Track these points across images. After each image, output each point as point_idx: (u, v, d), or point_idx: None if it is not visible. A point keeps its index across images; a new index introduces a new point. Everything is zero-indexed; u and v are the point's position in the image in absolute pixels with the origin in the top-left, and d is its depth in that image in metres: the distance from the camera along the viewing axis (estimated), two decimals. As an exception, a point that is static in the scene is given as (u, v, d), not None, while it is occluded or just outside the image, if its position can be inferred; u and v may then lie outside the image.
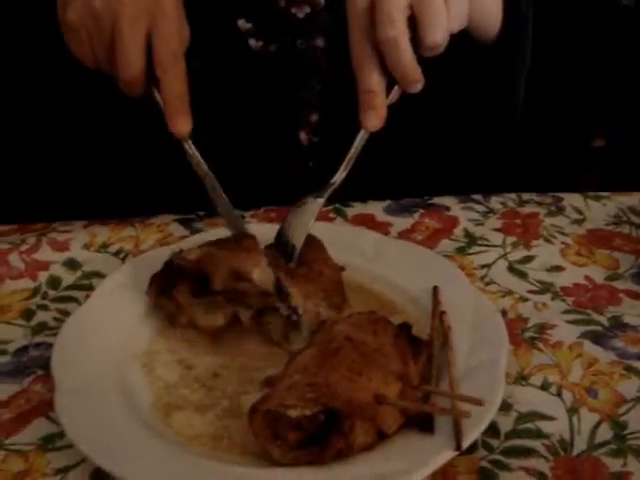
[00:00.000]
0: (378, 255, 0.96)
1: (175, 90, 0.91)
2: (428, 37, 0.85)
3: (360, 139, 0.89)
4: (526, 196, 1.17)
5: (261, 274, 0.84)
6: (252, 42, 1.15)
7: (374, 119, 0.87)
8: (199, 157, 0.93)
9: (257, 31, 1.15)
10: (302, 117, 1.21)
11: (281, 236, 0.91)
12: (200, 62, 1.07)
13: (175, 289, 0.86)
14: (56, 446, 0.77)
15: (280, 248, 0.90)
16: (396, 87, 0.88)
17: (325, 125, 1.21)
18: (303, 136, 1.22)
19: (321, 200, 0.91)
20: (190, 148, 0.93)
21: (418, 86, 0.88)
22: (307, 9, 1.15)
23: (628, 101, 1.46)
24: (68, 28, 0.93)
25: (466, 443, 0.70)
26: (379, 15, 0.84)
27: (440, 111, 1.20)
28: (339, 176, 0.90)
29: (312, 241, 0.92)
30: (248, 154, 1.20)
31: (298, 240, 0.90)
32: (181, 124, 0.91)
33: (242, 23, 1.15)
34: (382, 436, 0.72)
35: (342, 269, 0.92)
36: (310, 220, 0.90)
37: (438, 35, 0.85)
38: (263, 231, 0.94)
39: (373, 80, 0.86)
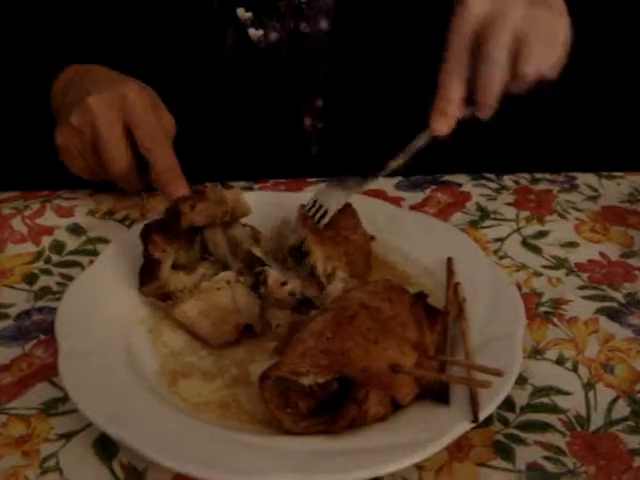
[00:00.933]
0: (391, 226, 0.94)
1: (163, 164, 0.96)
2: (522, 69, 0.87)
3: (421, 138, 0.91)
4: (539, 175, 1.15)
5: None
6: (252, 31, 1.14)
7: (443, 125, 0.89)
8: None
9: (257, 20, 1.13)
10: (307, 103, 1.19)
11: (315, 200, 0.90)
12: (201, 53, 1.07)
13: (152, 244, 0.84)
14: (59, 411, 0.75)
15: (312, 210, 0.90)
16: (469, 108, 0.90)
17: (330, 111, 1.20)
18: (307, 122, 1.20)
19: (363, 182, 0.92)
20: None
21: (489, 113, 0.90)
22: None
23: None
24: (61, 151, 1.00)
25: (483, 415, 0.68)
26: (490, 33, 0.86)
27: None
28: (389, 166, 0.92)
29: (345, 207, 0.90)
30: (252, 140, 1.18)
31: (331, 207, 0.89)
32: (175, 190, 0.94)
33: (241, 12, 1.13)
34: (396, 407, 0.70)
35: (372, 238, 0.91)
36: (348, 194, 0.91)
37: (530, 68, 0.88)
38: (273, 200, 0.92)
39: (454, 89, 0.88)
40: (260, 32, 1.14)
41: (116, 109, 0.95)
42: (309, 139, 1.21)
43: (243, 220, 0.89)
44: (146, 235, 0.84)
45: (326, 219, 0.89)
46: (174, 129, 1.01)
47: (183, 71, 0.99)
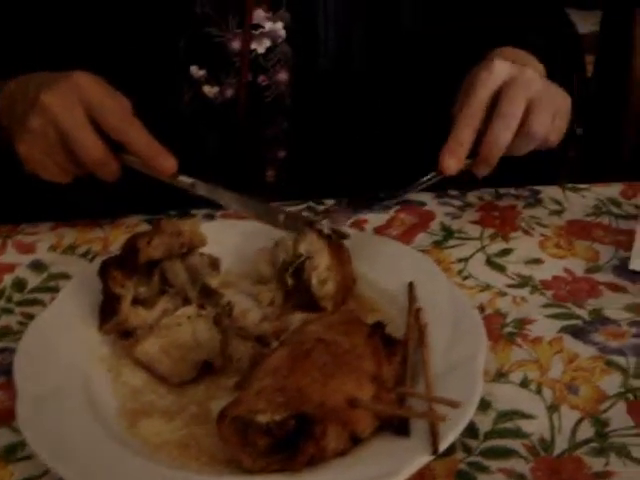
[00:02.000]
0: (354, 251, 0.93)
1: (142, 142, 0.93)
2: (532, 126, 0.95)
3: (428, 178, 0.97)
4: (503, 190, 1.14)
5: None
6: (207, 89, 1.13)
7: (453, 164, 0.94)
8: (194, 181, 0.96)
9: (211, 77, 1.13)
10: (269, 155, 1.19)
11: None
12: (158, 109, 1.07)
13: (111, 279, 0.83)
14: (19, 456, 0.74)
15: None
16: (467, 162, 0.96)
17: (292, 161, 1.19)
18: (270, 173, 1.20)
19: (369, 206, 0.99)
20: (188, 180, 0.95)
21: (485, 171, 0.98)
22: (267, 43, 1.13)
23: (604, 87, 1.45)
24: (27, 161, 0.96)
25: (443, 446, 0.68)
26: (510, 93, 0.94)
27: (417, 112, 1.19)
28: (397, 197, 0.99)
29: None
30: None
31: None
32: (165, 163, 0.93)
33: (195, 70, 1.12)
34: (356, 440, 0.69)
35: (354, 281, 0.92)
36: (353, 216, 0.98)
37: (541, 129, 0.96)
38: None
39: (467, 135, 0.95)
40: (215, 89, 1.13)
41: (73, 99, 0.92)
42: (271, 190, 1.20)
43: (201, 249, 0.88)
44: (104, 271, 0.84)
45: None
46: (130, 106, 0.97)
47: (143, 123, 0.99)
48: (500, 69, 0.96)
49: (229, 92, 1.13)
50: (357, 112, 1.19)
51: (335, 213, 0.96)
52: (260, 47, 1.12)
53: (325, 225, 0.91)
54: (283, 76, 1.14)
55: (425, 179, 0.97)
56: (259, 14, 1.11)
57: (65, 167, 0.96)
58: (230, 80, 1.13)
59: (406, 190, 0.98)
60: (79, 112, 0.92)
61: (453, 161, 0.94)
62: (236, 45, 1.12)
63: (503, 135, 0.94)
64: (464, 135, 0.94)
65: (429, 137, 1.03)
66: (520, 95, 0.94)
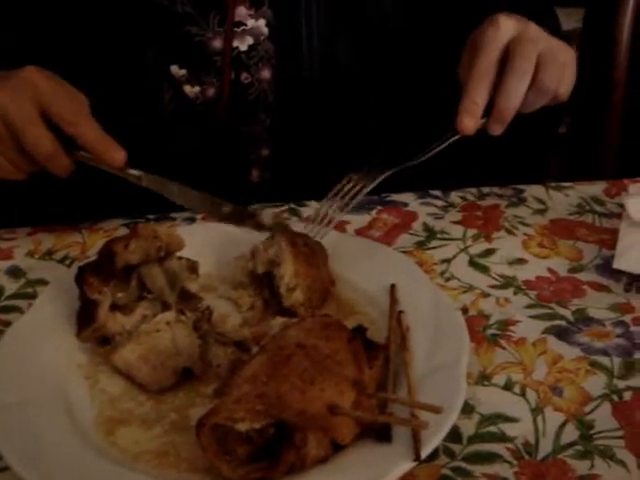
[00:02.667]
0: (335, 253, 0.93)
1: (92, 135, 0.93)
2: (544, 81, 0.95)
3: (447, 139, 0.97)
4: (486, 189, 1.14)
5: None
6: (187, 88, 1.12)
7: (470, 123, 0.94)
8: (141, 173, 0.95)
9: (192, 76, 1.12)
10: (253, 153, 1.17)
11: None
12: (139, 110, 1.05)
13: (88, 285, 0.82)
14: (-5, 468, 0.73)
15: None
16: (481, 121, 0.95)
17: (276, 160, 1.18)
18: (254, 173, 1.19)
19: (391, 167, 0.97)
20: (135, 172, 0.95)
21: (500, 129, 0.96)
22: (250, 40, 1.12)
23: (588, 86, 1.44)
24: None
25: (425, 452, 0.67)
26: (520, 49, 0.93)
27: (402, 109, 1.18)
28: (418, 158, 0.97)
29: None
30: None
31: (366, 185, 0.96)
32: (115, 155, 0.93)
33: (175, 69, 1.11)
34: (337, 447, 0.68)
35: (333, 283, 0.91)
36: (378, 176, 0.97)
37: (552, 83, 0.95)
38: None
39: (481, 95, 0.94)
40: (196, 89, 1.12)
41: (23, 94, 0.92)
42: (255, 190, 1.19)
43: (178, 253, 0.87)
44: (81, 278, 0.82)
45: (359, 196, 0.94)
46: (86, 102, 0.96)
47: (120, 124, 0.97)
48: (507, 25, 0.95)
49: (210, 92, 1.12)
50: (341, 109, 1.18)
51: (360, 176, 0.97)
52: (242, 45, 1.11)
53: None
54: (266, 74, 1.13)
55: (442, 140, 0.97)
56: (241, 11, 1.10)
57: (17, 164, 0.95)
58: (211, 79, 1.12)
59: (425, 153, 0.97)
60: (29, 107, 0.91)
61: (470, 120, 0.94)
62: (217, 44, 1.10)
63: (516, 91, 0.93)
64: (478, 93, 0.94)
65: (414, 135, 1.03)
66: (531, 50, 0.94)
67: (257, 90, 1.13)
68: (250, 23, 1.11)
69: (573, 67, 1.00)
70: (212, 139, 1.15)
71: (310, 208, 1.08)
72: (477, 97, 0.94)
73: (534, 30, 0.96)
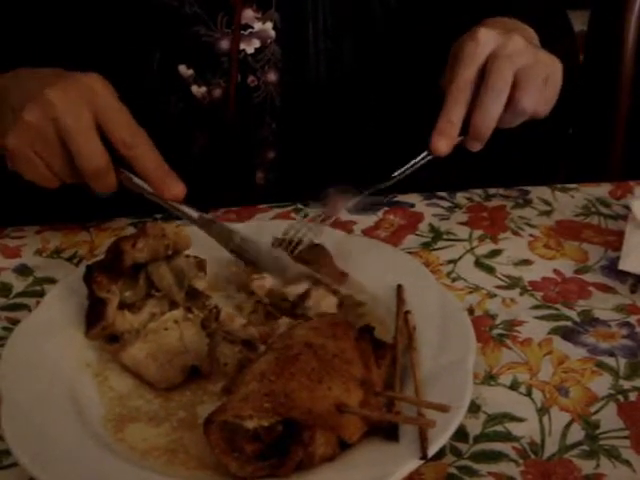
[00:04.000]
0: (341, 253, 0.93)
1: (151, 161, 0.89)
2: (521, 102, 0.94)
3: (421, 158, 0.96)
4: (492, 191, 1.14)
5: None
6: (194, 88, 1.12)
7: (443, 145, 0.93)
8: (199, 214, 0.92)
9: (199, 77, 1.12)
10: (258, 156, 1.18)
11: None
12: (146, 109, 1.05)
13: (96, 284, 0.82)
14: (4, 464, 0.73)
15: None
16: (459, 138, 0.95)
17: (282, 163, 1.19)
18: (259, 175, 1.19)
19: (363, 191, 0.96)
20: (191, 211, 0.92)
21: (479, 146, 0.96)
22: (257, 43, 1.12)
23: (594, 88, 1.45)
24: (14, 156, 0.90)
25: (432, 451, 0.67)
26: (495, 67, 0.92)
27: (405, 112, 1.18)
28: (385, 184, 0.96)
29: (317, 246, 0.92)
30: (202, 194, 1.15)
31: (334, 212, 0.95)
32: (173, 188, 0.89)
33: (183, 69, 1.11)
34: (345, 445, 0.68)
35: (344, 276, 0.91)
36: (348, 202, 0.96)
37: (529, 103, 0.94)
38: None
39: (457, 113, 0.93)
40: (203, 89, 1.12)
41: (81, 100, 0.87)
42: (261, 192, 1.19)
43: (186, 252, 0.88)
44: (89, 276, 0.83)
45: (328, 222, 0.94)
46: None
47: None
48: (485, 39, 0.93)
49: (217, 92, 1.12)
50: (347, 112, 1.18)
51: (331, 199, 0.95)
52: (249, 47, 1.12)
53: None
54: (272, 77, 1.13)
55: (417, 159, 0.96)
56: (248, 14, 1.11)
57: (56, 171, 0.90)
58: (218, 80, 1.12)
59: (400, 173, 0.96)
60: (87, 116, 0.87)
61: (444, 141, 0.93)
62: (225, 45, 1.11)
63: (491, 110, 0.93)
64: (453, 113, 0.93)
65: (420, 138, 1.02)
66: (507, 68, 0.92)
67: (263, 93, 1.14)
68: (257, 26, 1.11)
69: (556, 82, 0.98)
70: (218, 141, 1.16)
71: (315, 209, 1.09)
72: (453, 116, 0.93)
73: (515, 43, 0.93)
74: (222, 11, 1.10)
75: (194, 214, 0.92)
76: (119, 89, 1.02)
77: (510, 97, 0.93)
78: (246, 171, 1.18)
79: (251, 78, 1.13)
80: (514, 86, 0.93)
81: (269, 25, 1.12)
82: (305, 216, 1.07)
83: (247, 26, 1.11)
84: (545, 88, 0.96)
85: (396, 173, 0.96)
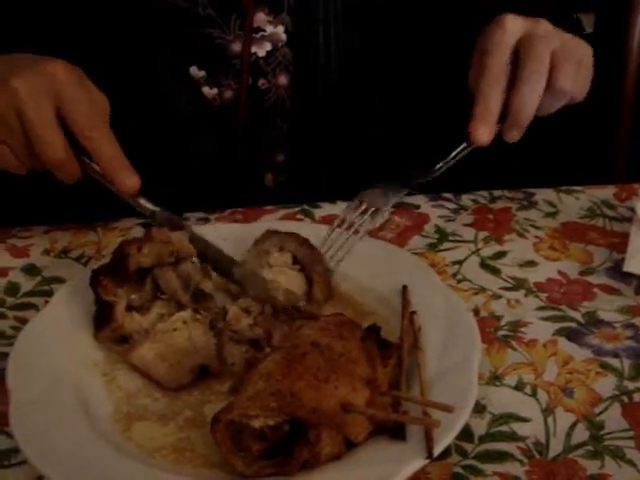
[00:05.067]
0: (347, 254, 0.94)
1: (107, 152, 0.89)
2: (559, 82, 0.91)
3: (460, 150, 0.93)
4: (497, 192, 1.14)
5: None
6: (206, 90, 1.13)
7: (484, 134, 0.91)
8: (156, 209, 0.92)
9: (210, 78, 1.12)
10: (268, 158, 1.18)
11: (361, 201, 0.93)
12: (156, 109, 1.05)
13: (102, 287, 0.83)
14: (12, 462, 0.74)
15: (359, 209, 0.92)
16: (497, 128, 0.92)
17: (291, 165, 1.19)
18: (269, 177, 1.20)
19: (405, 187, 0.95)
20: (149, 205, 0.92)
21: (517, 136, 0.93)
22: (268, 46, 1.13)
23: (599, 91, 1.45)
24: None
25: (437, 450, 0.67)
26: (531, 50, 0.89)
27: (415, 113, 1.19)
28: (431, 173, 0.95)
29: (305, 241, 0.91)
30: (212, 195, 1.15)
31: (381, 206, 0.93)
32: (127, 180, 0.89)
33: (194, 70, 1.12)
34: (350, 445, 0.69)
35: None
36: (395, 196, 0.95)
37: (567, 83, 0.91)
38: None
39: (494, 102, 0.90)
40: (214, 91, 1.13)
41: (44, 90, 0.87)
42: (270, 194, 1.20)
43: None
44: (95, 281, 0.83)
45: (380, 218, 0.92)
46: (108, 109, 0.92)
47: (138, 124, 0.96)
48: (514, 25, 0.91)
49: (228, 94, 1.13)
50: (357, 115, 1.19)
51: (373, 197, 0.95)
52: (261, 50, 1.12)
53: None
54: (283, 80, 1.14)
55: (457, 152, 0.94)
56: (260, 17, 1.11)
57: (23, 160, 0.91)
58: (229, 82, 1.12)
59: (440, 166, 0.95)
60: (47, 106, 0.87)
61: (485, 130, 0.91)
62: (237, 47, 1.11)
63: (531, 94, 0.90)
64: (491, 100, 0.90)
65: (432, 140, 1.02)
66: (543, 50, 0.90)
67: (274, 96, 1.14)
68: (269, 29, 1.12)
69: (589, 65, 0.96)
70: (228, 142, 1.16)
71: (324, 209, 1.09)
72: (491, 103, 0.90)
73: (545, 27, 0.92)
74: (235, 13, 1.10)
75: (151, 208, 0.91)
76: (130, 88, 1.02)
77: (548, 79, 0.90)
78: (255, 173, 1.19)
79: (262, 81, 1.13)
80: (551, 67, 0.90)
81: (281, 29, 1.12)
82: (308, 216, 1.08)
83: (259, 29, 1.12)
84: (579, 70, 0.93)
85: (437, 166, 0.95)
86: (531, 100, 0.90)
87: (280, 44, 1.13)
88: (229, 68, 1.12)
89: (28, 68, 0.88)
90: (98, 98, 0.92)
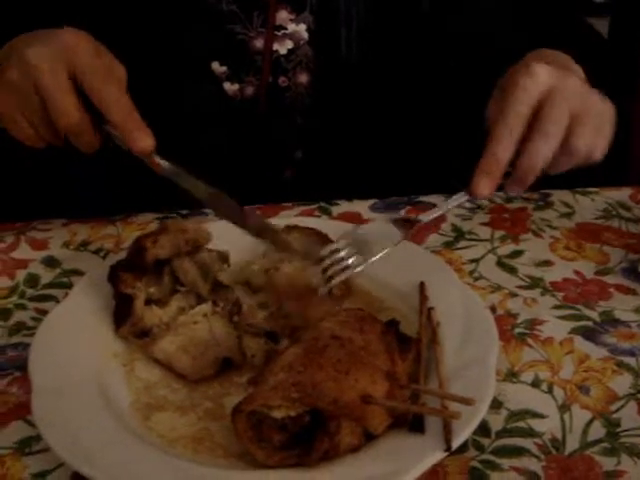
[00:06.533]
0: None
1: (120, 111, 0.87)
2: (573, 143, 0.86)
3: (456, 199, 0.88)
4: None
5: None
6: (227, 85, 1.13)
7: (486, 187, 0.85)
8: (170, 165, 0.89)
9: (232, 74, 1.13)
10: (287, 154, 1.19)
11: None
12: (177, 104, 1.05)
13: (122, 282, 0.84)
14: (33, 450, 0.75)
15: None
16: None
17: (310, 161, 1.20)
18: (288, 172, 1.20)
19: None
20: (161, 161, 0.89)
21: (518, 192, 0.89)
22: (290, 44, 1.13)
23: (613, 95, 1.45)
24: (2, 117, 0.90)
25: (456, 444, 0.68)
26: (551, 110, 0.84)
27: (430, 113, 1.19)
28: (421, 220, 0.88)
29: (319, 233, 0.91)
30: (230, 191, 1.16)
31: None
32: (141, 140, 0.86)
33: (216, 66, 1.13)
34: (370, 436, 0.70)
35: None
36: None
37: (584, 146, 0.86)
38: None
39: (505, 151, 0.84)
40: (236, 86, 1.13)
41: (58, 58, 0.86)
42: (289, 188, 1.20)
43: (209, 246, 0.89)
44: (114, 275, 0.85)
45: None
46: (125, 77, 0.91)
47: (158, 117, 0.96)
48: (541, 75, 0.86)
49: (249, 90, 1.13)
50: (376, 113, 1.19)
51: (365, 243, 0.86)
52: (282, 48, 1.13)
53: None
54: (303, 78, 1.15)
55: (453, 200, 0.88)
56: (282, 15, 1.12)
57: (39, 130, 0.90)
58: (250, 78, 1.13)
59: (434, 214, 0.89)
60: (62, 72, 0.86)
61: (487, 182, 0.85)
62: (259, 44, 1.12)
63: (542, 155, 0.85)
64: (502, 151, 0.84)
65: (448, 137, 1.02)
66: (563, 109, 0.85)
67: (294, 94, 1.15)
68: (291, 27, 1.13)
69: (611, 127, 0.91)
70: (248, 138, 1.17)
71: (341, 207, 1.10)
72: (501, 154, 0.84)
73: (572, 83, 0.87)
74: (257, 10, 1.11)
75: (165, 165, 0.89)
76: (152, 81, 1.01)
77: (565, 140, 0.86)
78: (274, 169, 1.19)
79: (282, 79, 1.14)
80: (569, 129, 0.86)
81: (302, 27, 1.13)
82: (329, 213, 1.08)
83: (281, 27, 1.12)
84: (599, 132, 0.89)
85: (434, 214, 0.89)
86: (540, 158, 0.85)
87: (302, 42, 1.13)
88: (250, 65, 1.13)
89: (44, 39, 0.88)
90: (115, 67, 0.91)
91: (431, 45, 1.18)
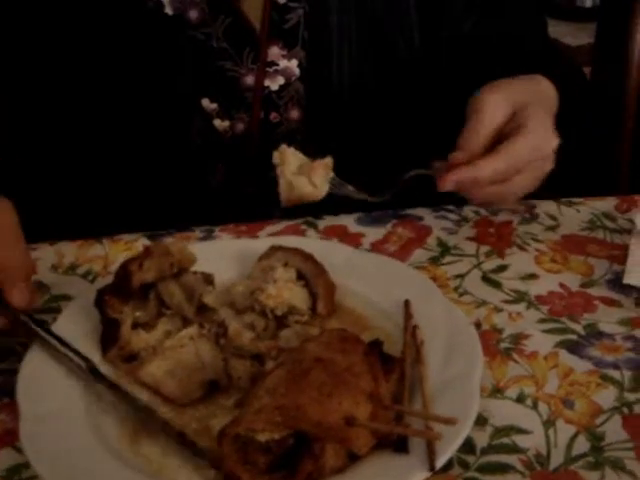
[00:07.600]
0: (349, 269, 0.95)
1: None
2: (514, 185, 0.96)
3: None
4: (499, 204, 1.15)
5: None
6: (217, 122, 1.14)
7: (449, 186, 0.95)
8: None
9: (222, 111, 1.13)
10: (279, 192, 1.19)
11: None
12: (167, 139, 1.05)
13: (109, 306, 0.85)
14: (22, 477, 0.75)
15: None
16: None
17: None
18: (277, 214, 1.21)
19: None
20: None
21: (443, 187, 0.95)
22: (281, 80, 1.14)
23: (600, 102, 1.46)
24: None
25: (440, 463, 0.69)
26: (510, 147, 0.93)
27: (424, 144, 1.20)
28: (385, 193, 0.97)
29: (309, 256, 0.93)
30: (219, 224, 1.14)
31: None
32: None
33: (206, 103, 1.13)
34: (354, 458, 0.70)
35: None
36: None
37: (521, 189, 0.99)
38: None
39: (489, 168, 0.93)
40: (226, 123, 1.14)
41: None
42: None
43: (193, 268, 0.90)
44: (101, 300, 0.85)
45: None
46: (32, 267, 0.90)
47: (149, 154, 0.97)
48: (493, 114, 0.95)
49: (240, 127, 1.14)
50: (368, 147, 1.20)
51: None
52: (273, 84, 1.14)
53: None
54: (295, 113, 1.15)
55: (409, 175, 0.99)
56: (274, 51, 1.13)
57: None
58: (241, 115, 1.14)
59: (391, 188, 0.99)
60: None
61: (451, 185, 0.94)
62: (249, 80, 1.13)
63: (483, 175, 0.94)
64: (488, 167, 0.93)
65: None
66: (521, 155, 0.94)
67: (285, 129, 1.15)
68: (282, 63, 1.13)
69: (549, 164, 0.99)
70: (238, 174, 1.17)
71: (327, 221, 1.11)
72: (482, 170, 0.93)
73: (527, 114, 0.94)
74: (248, 47, 1.11)
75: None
76: (142, 119, 1.02)
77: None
78: (264, 206, 1.20)
79: (274, 114, 1.15)
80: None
81: (294, 62, 1.13)
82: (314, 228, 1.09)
83: (272, 63, 1.13)
84: (536, 179, 0.99)
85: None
86: (479, 177, 0.94)
87: (293, 78, 1.14)
88: (241, 101, 1.13)
89: None
90: (23, 259, 0.89)
91: (424, 81, 1.18)
